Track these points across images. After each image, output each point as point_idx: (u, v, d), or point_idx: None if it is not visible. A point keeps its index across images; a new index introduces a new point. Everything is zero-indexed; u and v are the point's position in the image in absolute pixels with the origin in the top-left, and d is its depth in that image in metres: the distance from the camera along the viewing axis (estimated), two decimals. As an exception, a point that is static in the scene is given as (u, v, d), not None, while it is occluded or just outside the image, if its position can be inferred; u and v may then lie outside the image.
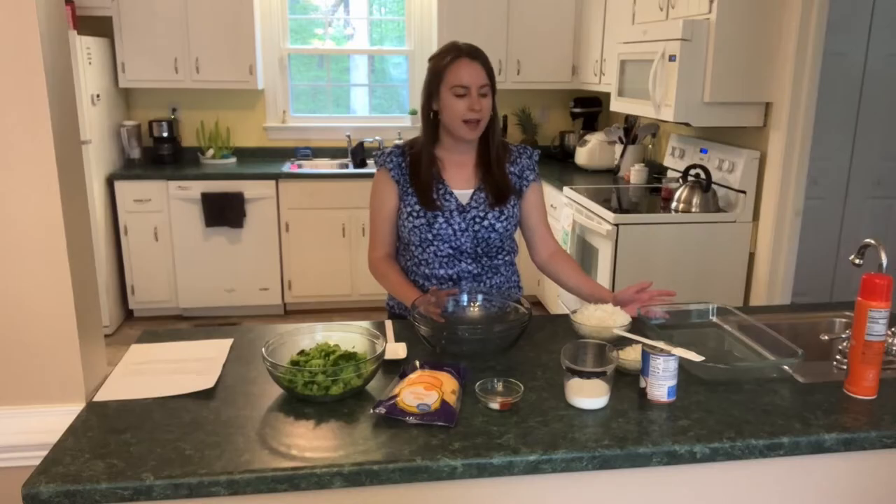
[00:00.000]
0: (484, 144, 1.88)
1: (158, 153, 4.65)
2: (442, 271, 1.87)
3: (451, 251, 1.85)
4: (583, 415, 1.30)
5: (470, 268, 1.88)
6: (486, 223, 1.84)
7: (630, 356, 1.48)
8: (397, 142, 1.95)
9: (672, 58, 3.08)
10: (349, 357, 1.42)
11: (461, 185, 1.87)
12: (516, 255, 2.00)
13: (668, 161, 3.94)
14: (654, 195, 3.71)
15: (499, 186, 1.86)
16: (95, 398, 1.36)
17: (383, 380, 1.43)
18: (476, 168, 1.89)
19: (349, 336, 1.52)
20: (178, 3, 4.34)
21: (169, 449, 1.18)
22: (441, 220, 1.82)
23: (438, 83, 1.80)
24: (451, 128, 1.81)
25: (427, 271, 1.88)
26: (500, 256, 1.92)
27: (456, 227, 1.83)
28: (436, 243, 1.84)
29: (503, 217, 1.86)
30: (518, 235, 1.97)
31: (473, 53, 1.79)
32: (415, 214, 1.83)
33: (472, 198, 1.86)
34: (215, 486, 1.11)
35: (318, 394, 1.32)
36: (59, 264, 1.33)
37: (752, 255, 3.29)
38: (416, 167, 1.86)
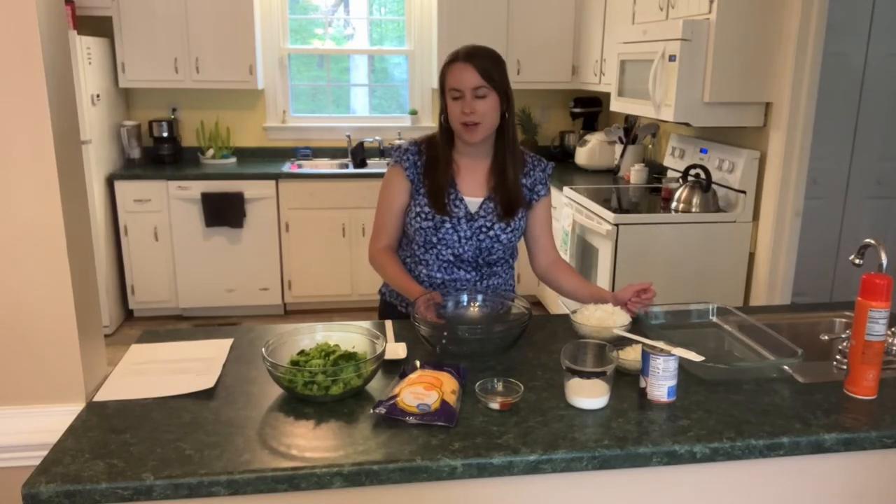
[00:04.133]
0: (500, 151, 1.86)
1: (158, 153, 4.65)
2: (440, 275, 1.87)
3: (452, 258, 1.85)
4: (583, 415, 1.30)
5: (468, 276, 1.87)
6: (491, 233, 1.83)
7: (630, 356, 1.48)
8: (414, 137, 1.93)
9: (672, 58, 3.08)
10: (349, 357, 1.42)
11: (473, 191, 1.86)
12: (515, 260, 1.99)
13: (668, 161, 3.94)
14: (654, 195, 3.71)
15: (509, 198, 1.84)
16: (95, 398, 1.36)
17: (383, 380, 1.43)
18: (489, 175, 1.87)
19: (349, 336, 1.52)
20: (178, 3, 4.33)
21: (169, 449, 1.18)
22: (448, 225, 1.82)
23: (443, 88, 1.82)
24: (455, 131, 1.82)
25: (425, 272, 1.87)
26: (498, 264, 1.91)
27: (462, 234, 1.83)
28: (439, 247, 1.84)
29: (509, 229, 1.85)
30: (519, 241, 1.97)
31: (468, 56, 1.76)
32: (423, 216, 1.83)
33: (481, 206, 1.85)
34: (215, 486, 1.11)
35: (318, 394, 1.32)
36: (59, 264, 1.33)
37: (752, 255, 3.29)
38: (431, 168, 1.85)
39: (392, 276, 1.86)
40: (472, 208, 1.84)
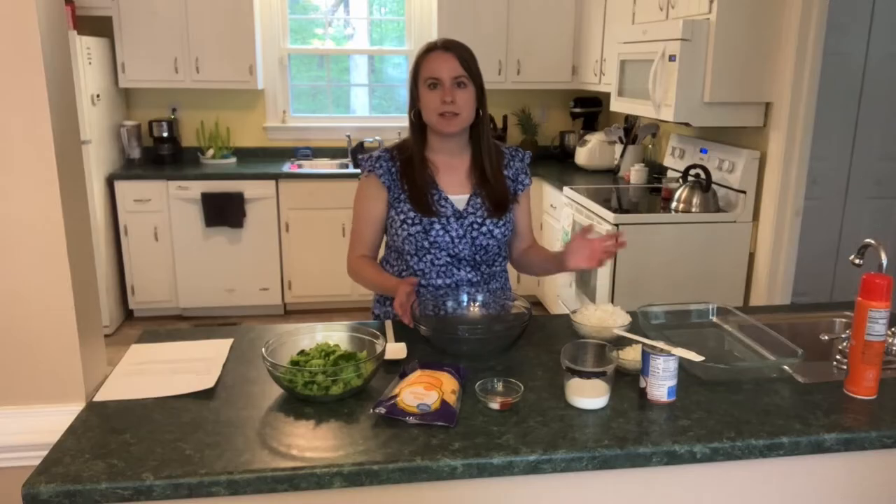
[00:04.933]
0: (476, 146, 1.82)
1: (158, 153, 4.65)
2: (440, 281, 1.81)
3: (448, 259, 1.80)
4: (583, 415, 1.30)
5: (469, 276, 1.82)
6: (484, 229, 1.79)
7: (630, 356, 1.47)
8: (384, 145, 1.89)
9: (672, 58, 3.08)
10: (349, 357, 1.41)
11: (456, 189, 1.81)
12: (508, 261, 1.95)
13: (668, 161, 3.94)
14: (654, 195, 3.71)
15: (497, 196, 1.80)
16: (95, 398, 1.36)
17: (383, 380, 1.42)
18: (470, 172, 1.82)
19: (349, 336, 1.52)
20: (178, 3, 4.33)
21: (169, 449, 1.18)
22: (438, 226, 1.76)
23: (416, 80, 1.75)
24: (430, 124, 1.75)
25: (423, 282, 1.81)
26: (497, 263, 1.87)
27: (454, 233, 1.77)
28: (433, 251, 1.78)
29: (501, 223, 1.80)
30: None
31: (447, 45, 1.72)
32: (409, 222, 1.77)
33: (468, 203, 1.79)
34: (215, 486, 1.11)
35: (318, 394, 1.32)
36: (59, 264, 1.33)
37: (752, 255, 3.29)
38: (407, 172, 1.78)
39: (370, 278, 1.80)
40: (460, 206, 1.79)
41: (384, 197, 1.81)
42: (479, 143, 1.81)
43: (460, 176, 1.82)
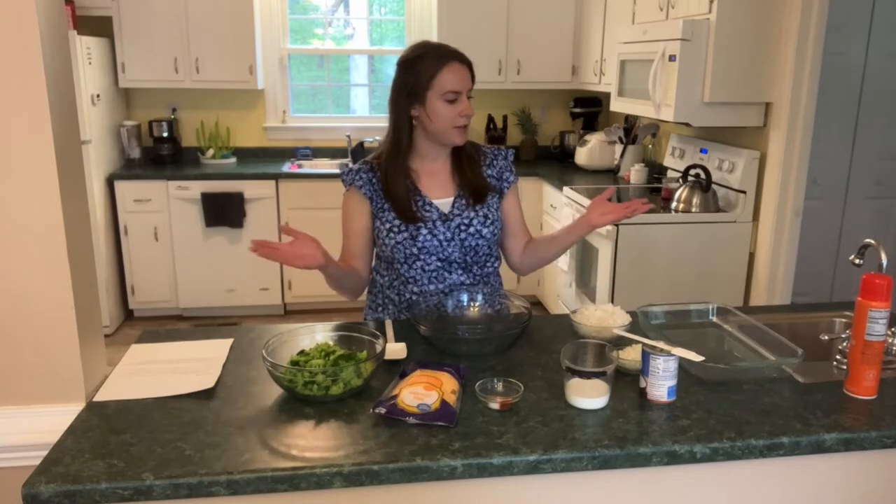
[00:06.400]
0: (457, 150, 1.82)
1: (158, 153, 4.65)
2: (432, 286, 1.79)
3: (439, 264, 1.78)
4: (583, 415, 1.30)
5: (462, 279, 1.81)
6: (472, 230, 1.77)
7: (630, 356, 1.47)
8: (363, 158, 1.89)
9: (672, 58, 3.09)
10: (349, 357, 1.42)
11: (439, 193, 1.80)
12: (500, 264, 1.94)
13: (668, 161, 3.94)
14: (654, 195, 3.71)
15: (475, 186, 1.80)
16: (95, 398, 1.36)
17: (383, 380, 1.42)
18: (451, 174, 1.82)
19: (349, 336, 1.52)
20: (178, 3, 4.34)
21: (169, 449, 1.18)
22: (424, 231, 1.75)
23: (425, 89, 1.70)
24: (440, 134, 1.74)
25: (416, 289, 1.80)
26: (489, 264, 1.86)
27: (441, 237, 1.76)
28: (422, 257, 1.77)
29: (489, 222, 1.79)
30: None
31: (461, 57, 1.74)
32: (395, 230, 1.76)
33: (453, 205, 1.78)
34: (215, 486, 1.11)
35: (318, 394, 1.32)
36: (59, 264, 1.33)
37: (752, 255, 3.29)
38: (388, 181, 1.77)
39: (333, 274, 1.76)
40: (444, 209, 1.78)
41: (367, 208, 1.81)
42: (460, 148, 1.82)
43: (442, 179, 1.82)
